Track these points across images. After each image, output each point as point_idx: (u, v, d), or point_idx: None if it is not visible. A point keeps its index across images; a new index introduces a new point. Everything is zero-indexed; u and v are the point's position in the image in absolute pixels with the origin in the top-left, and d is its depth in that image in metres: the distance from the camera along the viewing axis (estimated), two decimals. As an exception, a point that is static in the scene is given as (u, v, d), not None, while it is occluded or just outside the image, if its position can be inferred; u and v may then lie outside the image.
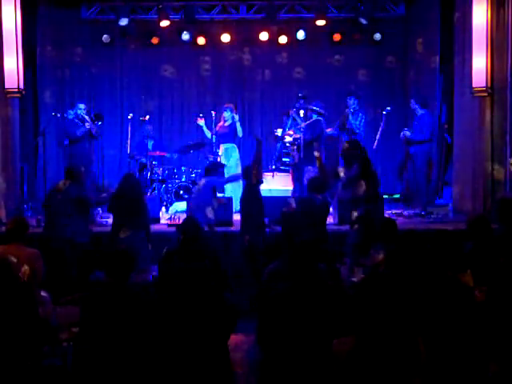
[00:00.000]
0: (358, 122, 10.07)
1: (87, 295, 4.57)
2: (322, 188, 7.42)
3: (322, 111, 9.91)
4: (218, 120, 10.52)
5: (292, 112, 10.45)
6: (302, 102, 10.45)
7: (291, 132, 10.02)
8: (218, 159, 10.22)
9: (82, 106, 10.07)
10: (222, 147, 10.41)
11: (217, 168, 8.22)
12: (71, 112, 10.13)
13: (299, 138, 9.65)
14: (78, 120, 9.87)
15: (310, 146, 9.50)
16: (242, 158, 10.58)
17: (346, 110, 10.14)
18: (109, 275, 4.53)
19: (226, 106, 10.61)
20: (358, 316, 3.48)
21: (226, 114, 10.44)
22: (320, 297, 4.02)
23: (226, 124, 10.45)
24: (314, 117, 9.96)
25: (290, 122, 10.48)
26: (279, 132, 10.38)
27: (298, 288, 4.10)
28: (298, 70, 12.06)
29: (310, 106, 10.05)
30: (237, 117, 10.49)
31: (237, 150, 10.45)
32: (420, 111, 9.84)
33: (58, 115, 10.19)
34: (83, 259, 7.09)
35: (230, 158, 10.32)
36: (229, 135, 10.40)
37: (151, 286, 5.30)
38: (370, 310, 3.42)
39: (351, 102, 10.16)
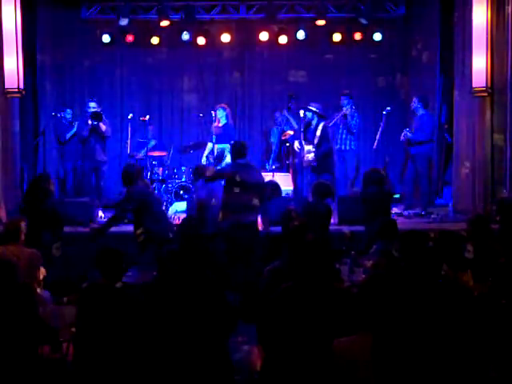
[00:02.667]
0: (354, 122, 10.04)
1: (82, 295, 4.59)
2: (328, 194, 7.42)
3: (322, 113, 9.88)
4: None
5: (285, 112, 10.49)
6: (293, 101, 10.47)
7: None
8: (210, 159, 10.20)
9: (92, 104, 10.22)
10: (217, 147, 10.38)
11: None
12: (69, 111, 10.18)
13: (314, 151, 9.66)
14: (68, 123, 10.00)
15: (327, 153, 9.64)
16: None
17: (344, 109, 10.10)
18: (103, 275, 4.55)
19: (218, 106, 10.61)
20: (361, 316, 3.48)
21: (219, 113, 10.41)
22: (322, 297, 4.02)
23: (221, 124, 10.43)
24: (315, 119, 9.91)
25: (284, 121, 10.54)
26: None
27: (300, 288, 4.09)
28: (297, 69, 12.06)
29: (309, 107, 10.02)
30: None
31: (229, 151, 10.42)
32: (421, 111, 9.83)
33: (58, 115, 10.21)
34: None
35: (224, 158, 10.27)
36: (223, 136, 10.33)
37: (150, 286, 5.29)
38: (373, 311, 3.42)
39: (345, 102, 10.11)
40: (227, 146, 10.17)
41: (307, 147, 9.61)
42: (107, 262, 4.57)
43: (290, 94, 10.57)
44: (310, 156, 9.55)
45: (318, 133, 9.63)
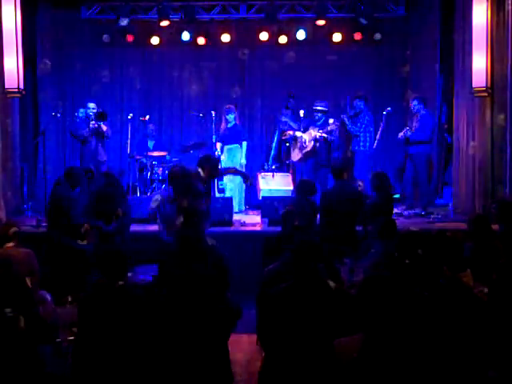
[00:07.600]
0: (358, 124, 10.03)
1: (83, 296, 4.57)
2: (312, 191, 7.51)
3: (326, 109, 10.03)
4: (217, 120, 10.53)
5: (282, 112, 10.57)
6: (292, 100, 10.57)
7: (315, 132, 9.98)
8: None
9: (91, 105, 10.15)
10: (226, 148, 10.40)
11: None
12: (82, 111, 10.17)
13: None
14: (88, 119, 9.97)
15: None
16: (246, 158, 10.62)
17: (342, 116, 10.12)
18: (104, 275, 4.53)
19: (227, 107, 10.61)
20: (361, 316, 3.47)
21: (230, 117, 10.43)
22: (321, 296, 4.02)
23: (229, 125, 10.47)
24: (322, 118, 10.06)
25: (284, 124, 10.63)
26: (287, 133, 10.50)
27: (299, 288, 4.09)
28: (297, 69, 12.05)
29: (314, 107, 10.14)
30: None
31: (240, 151, 10.44)
32: (422, 111, 9.81)
33: (58, 115, 10.20)
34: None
35: (233, 159, 10.33)
36: (232, 136, 10.41)
37: (151, 286, 5.30)
38: (372, 310, 3.41)
39: (358, 104, 10.13)
40: (237, 146, 10.40)
41: (314, 132, 9.79)
42: (109, 262, 4.53)
43: (290, 93, 10.64)
44: (318, 135, 9.77)
45: (331, 124, 9.90)
